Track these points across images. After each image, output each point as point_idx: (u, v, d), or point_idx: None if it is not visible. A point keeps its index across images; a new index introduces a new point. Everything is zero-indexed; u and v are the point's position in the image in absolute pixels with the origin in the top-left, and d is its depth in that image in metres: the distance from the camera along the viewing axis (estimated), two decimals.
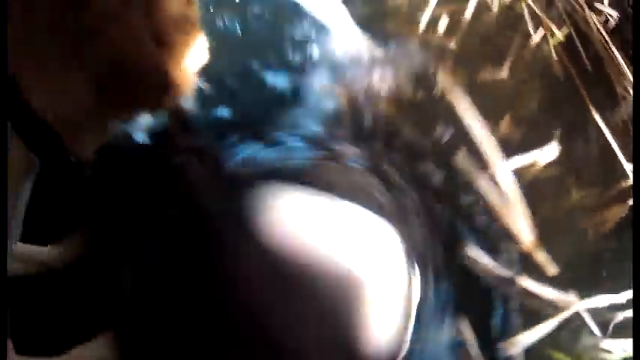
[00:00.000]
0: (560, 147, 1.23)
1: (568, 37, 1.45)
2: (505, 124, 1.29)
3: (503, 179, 1.22)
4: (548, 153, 1.23)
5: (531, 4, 1.50)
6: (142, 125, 0.89)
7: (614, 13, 1.46)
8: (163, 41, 0.62)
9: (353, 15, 1.41)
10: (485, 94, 1.35)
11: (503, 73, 1.37)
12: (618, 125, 1.34)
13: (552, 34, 1.45)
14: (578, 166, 1.28)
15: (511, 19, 1.50)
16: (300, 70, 1.33)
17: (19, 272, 0.79)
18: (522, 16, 1.48)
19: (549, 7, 1.51)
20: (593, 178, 1.27)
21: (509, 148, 1.24)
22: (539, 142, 1.24)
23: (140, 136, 0.90)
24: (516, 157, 1.24)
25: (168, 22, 0.62)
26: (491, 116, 1.29)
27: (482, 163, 1.24)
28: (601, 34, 1.48)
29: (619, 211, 1.20)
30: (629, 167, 1.26)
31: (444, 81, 1.35)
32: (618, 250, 1.16)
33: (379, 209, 0.90)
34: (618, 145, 1.29)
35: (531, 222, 1.19)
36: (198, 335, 0.74)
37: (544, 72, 1.41)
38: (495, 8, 1.49)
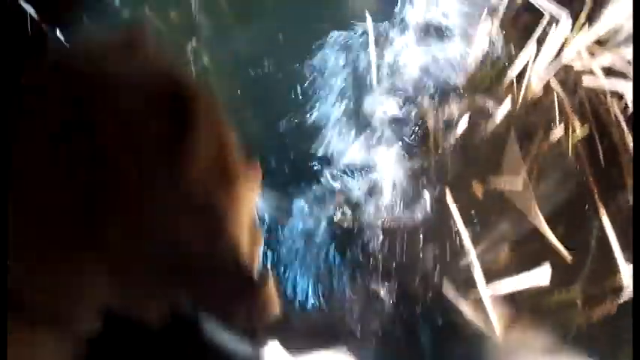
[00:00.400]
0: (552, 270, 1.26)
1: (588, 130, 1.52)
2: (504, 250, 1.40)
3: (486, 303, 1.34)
4: (540, 277, 1.27)
5: (561, 93, 1.59)
6: None
7: None
8: (198, 205, 0.50)
9: None
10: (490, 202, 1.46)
11: (519, 182, 1.46)
12: (621, 214, 1.41)
13: (574, 130, 1.53)
14: (571, 263, 1.34)
15: (536, 115, 1.60)
16: None
17: None
18: (549, 110, 1.57)
19: (572, 95, 1.59)
20: (585, 274, 1.34)
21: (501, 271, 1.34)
22: (533, 263, 1.29)
23: None
24: (505, 280, 1.33)
25: (198, 177, 0.50)
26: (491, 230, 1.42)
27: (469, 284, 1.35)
28: (618, 121, 1.56)
29: (607, 309, 1.31)
30: (625, 267, 1.34)
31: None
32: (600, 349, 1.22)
33: None
34: (618, 240, 1.37)
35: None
36: None
37: (558, 171, 1.50)
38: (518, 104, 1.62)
